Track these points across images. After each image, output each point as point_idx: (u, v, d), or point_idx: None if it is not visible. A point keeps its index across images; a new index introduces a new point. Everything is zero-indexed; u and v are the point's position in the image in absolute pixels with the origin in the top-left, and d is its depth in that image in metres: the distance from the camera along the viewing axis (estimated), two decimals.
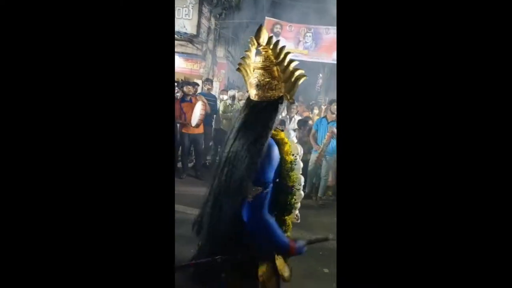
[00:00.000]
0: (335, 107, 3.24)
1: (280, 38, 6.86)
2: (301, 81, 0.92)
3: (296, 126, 3.77)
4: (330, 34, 6.82)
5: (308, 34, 6.91)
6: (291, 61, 0.90)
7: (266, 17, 7.01)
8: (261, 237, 0.89)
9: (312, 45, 6.86)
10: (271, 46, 0.90)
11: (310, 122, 3.94)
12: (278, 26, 6.94)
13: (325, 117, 3.46)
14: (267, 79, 0.90)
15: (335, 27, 6.89)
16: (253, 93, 0.94)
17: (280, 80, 0.91)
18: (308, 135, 3.60)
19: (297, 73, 0.91)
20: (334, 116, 3.24)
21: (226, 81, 8.67)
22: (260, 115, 0.91)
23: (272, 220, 0.90)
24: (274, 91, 0.91)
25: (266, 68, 0.91)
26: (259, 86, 0.91)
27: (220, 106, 4.44)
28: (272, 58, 0.90)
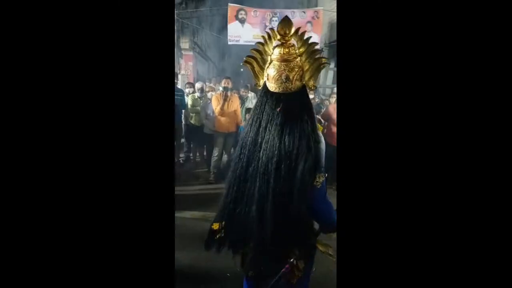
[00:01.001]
0: None
1: (246, 24, 6.65)
2: (323, 67, 0.92)
3: None
4: (296, 17, 6.69)
5: (274, 19, 6.73)
6: (317, 50, 0.90)
7: (229, 4, 6.73)
8: (325, 216, 0.94)
9: None
10: (298, 38, 0.90)
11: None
12: (243, 12, 6.70)
13: None
14: (288, 72, 0.89)
15: (300, 10, 6.83)
16: (272, 86, 0.91)
17: (305, 69, 0.91)
18: None
19: (319, 60, 0.90)
20: None
21: (195, 73, 8.37)
22: (296, 104, 0.90)
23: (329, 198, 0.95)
24: (296, 81, 0.90)
25: (289, 60, 0.89)
26: (281, 80, 0.89)
27: (189, 100, 4.23)
28: (296, 49, 0.91)
